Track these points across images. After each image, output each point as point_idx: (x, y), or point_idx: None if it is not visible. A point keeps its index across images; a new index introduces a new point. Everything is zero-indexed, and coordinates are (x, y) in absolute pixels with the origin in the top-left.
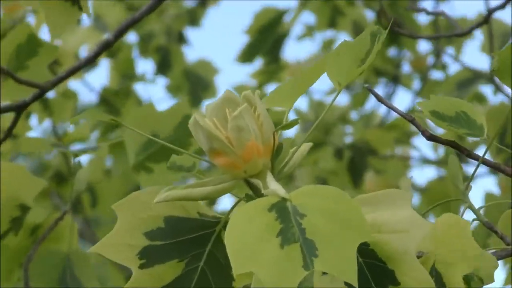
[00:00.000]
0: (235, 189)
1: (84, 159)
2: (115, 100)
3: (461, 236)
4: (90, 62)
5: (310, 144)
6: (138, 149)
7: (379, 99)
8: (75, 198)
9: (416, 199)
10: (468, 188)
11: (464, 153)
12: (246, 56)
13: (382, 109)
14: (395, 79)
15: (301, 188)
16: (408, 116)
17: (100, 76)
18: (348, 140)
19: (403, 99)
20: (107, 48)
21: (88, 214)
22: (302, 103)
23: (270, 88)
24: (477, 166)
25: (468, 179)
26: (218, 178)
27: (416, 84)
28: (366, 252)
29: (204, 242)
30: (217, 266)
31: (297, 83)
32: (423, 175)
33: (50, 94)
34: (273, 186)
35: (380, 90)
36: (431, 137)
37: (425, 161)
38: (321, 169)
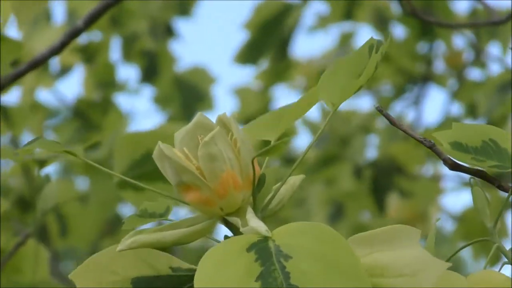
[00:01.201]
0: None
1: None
2: (92, 113)
3: None
4: (56, 53)
5: (301, 176)
6: (128, 166)
7: (391, 121)
8: (40, 221)
9: (449, 228)
10: (496, 225)
11: (495, 184)
12: (247, 56)
13: (412, 115)
14: (426, 79)
15: (287, 225)
16: (427, 142)
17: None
18: (370, 154)
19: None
20: (76, 36)
21: (56, 245)
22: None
23: (279, 90)
24: (508, 198)
25: (497, 215)
26: (191, 218)
27: (452, 84)
28: None
29: None
30: None
31: (285, 112)
32: (459, 199)
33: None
34: (253, 223)
35: (410, 93)
36: (454, 166)
37: (462, 183)
38: (337, 190)
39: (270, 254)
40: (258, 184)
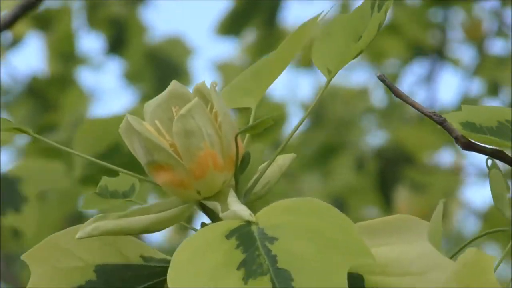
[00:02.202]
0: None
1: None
2: (49, 90)
3: (480, 275)
4: (7, 27)
5: (292, 155)
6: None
7: (396, 93)
8: None
9: (472, 225)
10: None
11: None
12: (229, 26)
13: (425, 94)
14: (440, 53)
15: (272, 204)
16: (437, 117)
17: (32, 58)
18: (375, 141)
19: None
20: (31, 9)
21: (9, 248)
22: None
23: None
24: None
25: None
26: (163, 202)
27: (471, 58)
28: None
29: None
30: None
31: (263, 68)
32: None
33: None
34: (235, 207)
35: (421, 68)
36: (468, 145)
37: (485, 174)
38: (337, 183)
39: (253, 239)
40: (242, 164)
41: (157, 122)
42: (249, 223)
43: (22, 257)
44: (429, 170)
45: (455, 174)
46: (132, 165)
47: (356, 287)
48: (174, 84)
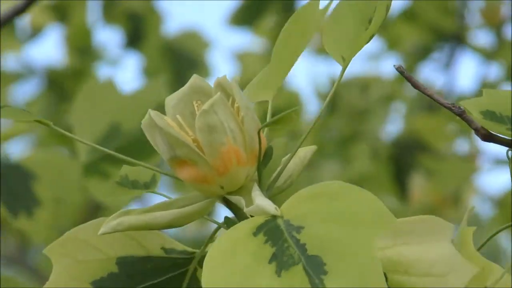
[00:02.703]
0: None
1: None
2: (66, 82)
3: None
4: (19, 13)
5: (313, 148)
6: (96, 141)
7: (414, 84)
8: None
9: (487, 213)
10: None
11: None
12: (243, 16)
13: (443, 80)
14: (459, 38)
15: (294, 195)
16: (456, 108)
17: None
18: (392, 130)
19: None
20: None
21: (23, 236)
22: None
23: None
24: None
25: None
26: (186, 197)
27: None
28: None
29: None
30: None
31: (278, 59)
32: (498, 181)
33: None
34: (260, 201)
35: (440, 54)
36: (487, 137)
37: (500, 161)
38: (353, 171)
39: (281, 232)
40: (264, 159)
41: (178, 117)
42: (274, 217)
43: (44, 251)
44: (444, 157)
45: (470, 161)
46: (134, 146)
47: None
48: (195, 78)
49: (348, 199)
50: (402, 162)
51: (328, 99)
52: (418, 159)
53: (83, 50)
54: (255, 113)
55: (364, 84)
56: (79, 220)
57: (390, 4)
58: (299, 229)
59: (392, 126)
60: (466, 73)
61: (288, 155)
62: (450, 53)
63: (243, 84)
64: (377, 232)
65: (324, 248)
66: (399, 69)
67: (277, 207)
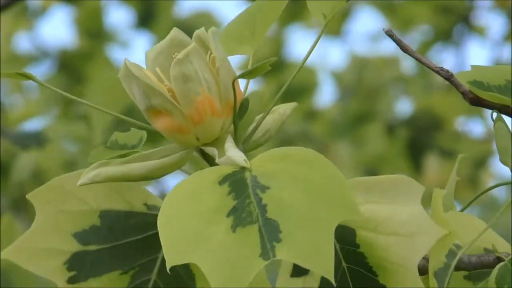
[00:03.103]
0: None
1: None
2: (77, 63)
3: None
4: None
5: (294, 104)
6: (109, 124)
7: (403, 48)
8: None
9: (504, 195)
10: None
11: None
12: None
13: (454, 61)
14: (469, 20)
15: (266, 152)
16: (444, 72)
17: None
18: (405, 109)
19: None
20: None
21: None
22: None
23: (293, 32)
24: None
25: None
26: (163, 149)
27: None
28: (353, 256)
29: (156, 246)
30: (175, 279)
31: (259, 14)
32: None
33: None
34: (231, 153)
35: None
36: (475, 101)
37: None
38: (367, 152)
39: (246, 186)
40: (240, 111)
41: (157, 69)
42: (243, 169)
43: (27, 196)
44: (459, 137)
45: (486, 143)
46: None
47: (348, 240)
48: (175, 31)
49: (319, 173)
50: (417, 141)
51: (311, 48)
52: (433, 139)
53: (94, 32)
54: (231, 64)
55: (378, 65)
56: None
57: None
58: (264, 188)
59: (406, 105)
60: (478, 54)
61: (265, 111)
62: (460, 34)
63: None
64: (339, 218)
65: (284, 215)
66: (388, 33)
67: (247, 160)
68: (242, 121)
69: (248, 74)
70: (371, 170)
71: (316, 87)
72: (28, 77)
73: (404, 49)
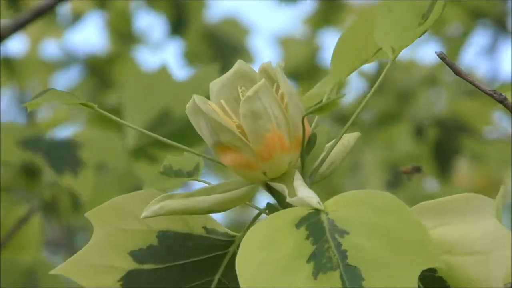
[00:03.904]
0: (253, 198)
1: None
2: (107, 68)
3: None
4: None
5: (357, 134)
6: (142, 128)
7: (455, 71)
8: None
9: None
10: None
11: None
12: None
13: (488, 65)
14: (503, 23)
15: (341, 195)
16: (497, 95)
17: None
18: (434, 112)
19: None
20: None
21: (68, 220)
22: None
23: (327, 37)
24: None
25: None
26: (228, 183)
27: None
28: (431, 282)
29: (212, 269)
30: None
31: (345, 50)
32: None
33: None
34: (303, 193)
35: (481, 38)
36: None
37: None
38: (395, 153)
39: (323, 230)
40: (308, 146)
41: (223, 102)
42: (318, 211)
43: (86, 215)
44: (487, 140)
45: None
46: (183, 132)
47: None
48: (240, 64)
49: (398, 220)
50: (445, 144)
51: (375, 86)
52: (461, 142)
53: (124, 37)
54: (299, 100)
55: (408, 66)
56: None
57: (447, 3)
58: (342, 233)
59: (435, 108)
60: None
61: (332, 141)
62: (494, 39)
63: (287, 69)
64: (421, 266)
65: (366, 262)
66: (440, 56)
67: (320, 202)
68: (309, 155)
69: (318, 111)
70: (398, 171)
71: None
72: (89, 106)
73: (457, 72)
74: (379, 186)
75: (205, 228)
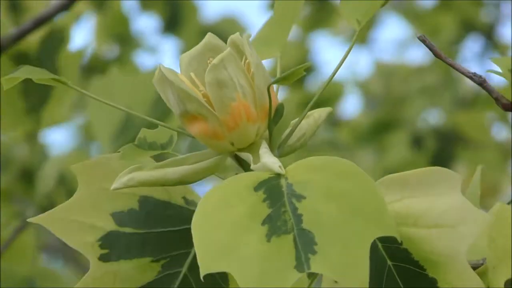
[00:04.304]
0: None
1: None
2: (104, 71)
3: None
4: (65, 9)
5: (328, 109)
6: (113, 133)
7: (436, 53)
8: (43, 203)
9: None
10: None
11: None
12: None
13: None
14: (493, 32)
15: (302, 161)
16: (477, 77)
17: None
18: (431, 119)
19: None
20: None
21: None
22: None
23: (319, 38)
24: None
25: None
26: (198, 154)
27: None
28: (397, 253)
29: (190, 240)
30: (206, 276)
31: (281, 17)
32: None
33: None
34: (266, 159)
35: (471, 48)
36: (508, 106)
37: None
38: (391, 161)
39: (281, 194)
40: (275, 116)
41: (192, 74)
42: (278, 176)
43: (72, 167)
44: (483, 149)
45: (508, 150)
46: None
47: (390, 238)
48: (209, 36)
49: (355, 186)
50: (441, 152)
51: (344, 55)
52: (457, 151)
53: (120, 38)
54: (265, 69)
55: (404, 74)
56: None
57: None
58: (300, 197)
59: (431, 116)
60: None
61: (300, 116)
62: (485, 45)
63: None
64: (375, 234)
65: (320, 227)
66: (421, 38)
67: (282, 166)
68: (277, 126)
69: (283, 80)
70: None
71: (342, 95)
72: (62, 82)
73: (437, 54)
74: None
75: (184, 198)
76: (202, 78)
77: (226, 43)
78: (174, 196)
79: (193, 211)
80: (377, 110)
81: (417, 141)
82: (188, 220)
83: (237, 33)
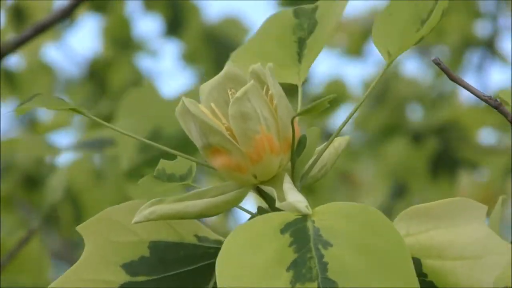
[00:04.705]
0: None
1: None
2: (106, 74)
3: None
4: (65, 16)
5: (348, 138)
6: (135, 149)
7: (451, 76)
8: (48, 212)
9: None
10: None
11: None
12: None
13: (476, 84)
14: (491, 44)
15: (330, 204)
16: (492, 101)
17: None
18: (432, 122)
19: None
20: None
21: (69, 232)
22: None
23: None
24: None
25: None
26: (219, 186)
27: None
28: (423, 285)
29: (205, 278)
30: None
31: (302, 37)
32: None
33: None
34: (292, 197)
35: (472, 59)
36: None
37: None
38: (394, 163)
39: (308, 239)
40: (298, 148)
41: (212, 104)
42: (305, 217)
43: (77, 228)
44: (488, 151)
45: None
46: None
47: (415, 271)
48: (229, 66)
49: (381, 238)
50: (443, 153)
51: (368, 90)
52: (462, 153)
53: (122, 41)
54: (288, 101)
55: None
56: None
57: (446, 9)
58: (326, 244)
59: (432, 118)
60: (500, 77)
61: (323, 144)
62: (482, 57)
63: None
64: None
65: (345, 277)
66: (435, 61)
67: (309, 206)
68: (299, 157)
69: (306, 112)
70: (399, 182)
71: (344, 98)
72: (78, 111)
73: (452, 77)
74: (381, 196)
75: (196, 236)
76: (223, 109)
77: (228, 43)
78: (185, 235)
79: (207, 247)
80: (381, 113)
81: (417, 143)
82: (203, 257)
83: (259, 64)
